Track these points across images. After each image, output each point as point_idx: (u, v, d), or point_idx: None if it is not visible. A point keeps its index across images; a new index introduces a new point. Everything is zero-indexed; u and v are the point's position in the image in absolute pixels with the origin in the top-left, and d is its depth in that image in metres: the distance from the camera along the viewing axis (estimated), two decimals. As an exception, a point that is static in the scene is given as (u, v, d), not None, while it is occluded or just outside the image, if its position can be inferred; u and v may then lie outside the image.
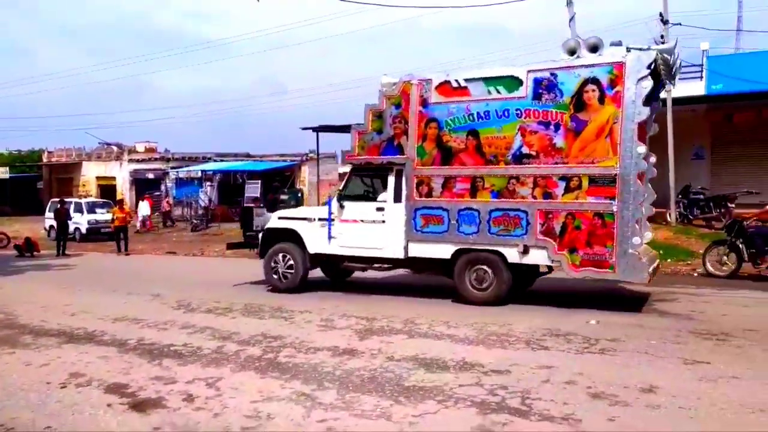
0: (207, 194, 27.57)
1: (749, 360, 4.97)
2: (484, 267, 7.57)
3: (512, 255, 7.37)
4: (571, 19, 14.69)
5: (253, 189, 26.80)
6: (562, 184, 7.03)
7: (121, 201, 20.39)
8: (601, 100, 6.81)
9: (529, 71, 7.24)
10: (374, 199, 8.41)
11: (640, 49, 6.76)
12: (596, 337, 5.80)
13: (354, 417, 3.99)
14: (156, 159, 32.26)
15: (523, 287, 8.10)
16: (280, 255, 8.96)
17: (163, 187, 29.06)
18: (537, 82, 7.14)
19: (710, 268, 9.76)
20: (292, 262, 8.85)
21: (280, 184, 28.32)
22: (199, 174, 28.77)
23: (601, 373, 4.69)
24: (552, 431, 3.67)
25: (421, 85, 7.83)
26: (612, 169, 6.76)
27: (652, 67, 6.71)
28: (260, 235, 9.37)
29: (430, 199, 7.82)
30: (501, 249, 7.43)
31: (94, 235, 22.12)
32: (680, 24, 14.22)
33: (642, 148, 6.72)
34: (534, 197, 7.20)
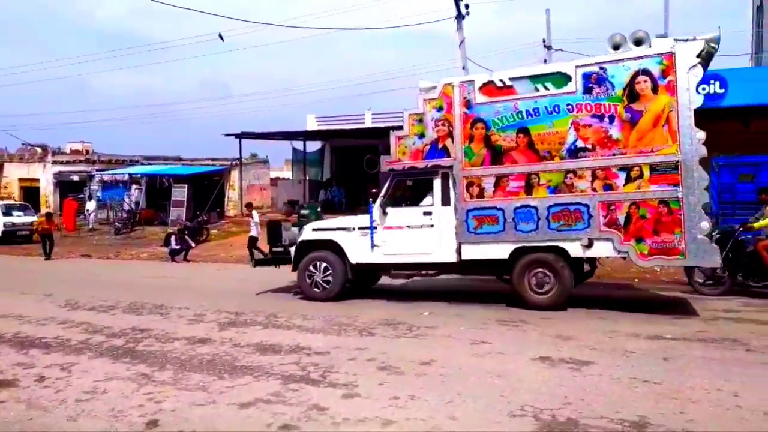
0: (133, 197, 27.59)
1: (524, 340, 6.09)
2: (545, 270, 7.51)
3: (575, 249, 7.37)
4: (461, 42, 16.17)
5: (180, 193, 26.99)
6: (623, 175, 7.10)
7: (51, 215, 19.47)
8: (654, 90, 6.97)
9: (577, 66, 7.37)
10: (418, 204, 8.42)
11: (686, 40, 6.95)
12: (419, 325, 6.84)
13: (177, 390, 4.81)
14: (81, 161, 31.85)
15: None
16: (317, 263, 8.74)
17: (86, 190, 28.77)
18: (586, 77, 7.27)
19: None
20: (330, 270, 8.65)
21: (209, 187, 28.59)
22: (126, 177, 28.70)
23: (400, 352, 5.69)
24: (329, 393, 4.60)
25: (463, 87, 7.90)
26: (673, 156, 6.87)
27: (701, 56, 6.93)
28: (293, 248, 9.13)
29: (482, 199, 7.79)
30: (562, 244, 7.42)
31: (10, 237, 21.89)
32: (561, 50, 15.70)
33: (701, 134, 6.81)
34: (594, 190, 7.23)
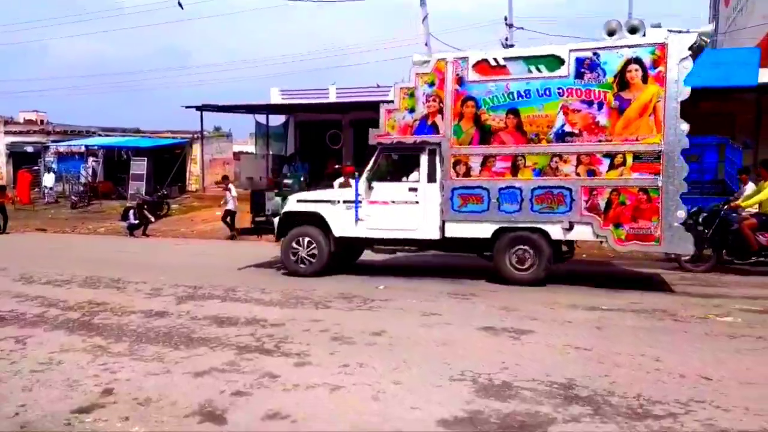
0: (90, 169, 26.95)
1: (471, 312, 6.42)
2: (526, 247, 7.64)
3: (556, 232, 7.52)
4: (425, 18, 16.21)
5: (139, 166, 26.46)
6: (606, 161, 7.23)
7: (3, 187, 19.21)
8: (644, 79, 7.05)
9: (571, 50, 7.37)
10: (404, 180, 8.39)
11: (680, 32, 7.02)
12: (373, 298, 7.09)
13: (132, 360, 4.93)
14: (35, 131, 30.78)
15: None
16: (301, 239, 8.72)
17: (41, 162, 27.93)
18: (579, 62, 7.30)
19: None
20: (315, 246, 8.62)
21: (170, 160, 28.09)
22: (82, 149, 27.96)
23: (353, 324, 5.93)
24: (282, 362, 4.80)
25: (456, 63, 7.80)
26: (656, 145, 7.02)
27: (693, 48, 7.05)
28: (276, 219, 9.06)
29: (468, 178, 7.81)
30: (544, 226, 7.55)
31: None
32: (522, 28, 15.92)
33: (685, 126, 6.96)
34: (578, 174, 7.35)
